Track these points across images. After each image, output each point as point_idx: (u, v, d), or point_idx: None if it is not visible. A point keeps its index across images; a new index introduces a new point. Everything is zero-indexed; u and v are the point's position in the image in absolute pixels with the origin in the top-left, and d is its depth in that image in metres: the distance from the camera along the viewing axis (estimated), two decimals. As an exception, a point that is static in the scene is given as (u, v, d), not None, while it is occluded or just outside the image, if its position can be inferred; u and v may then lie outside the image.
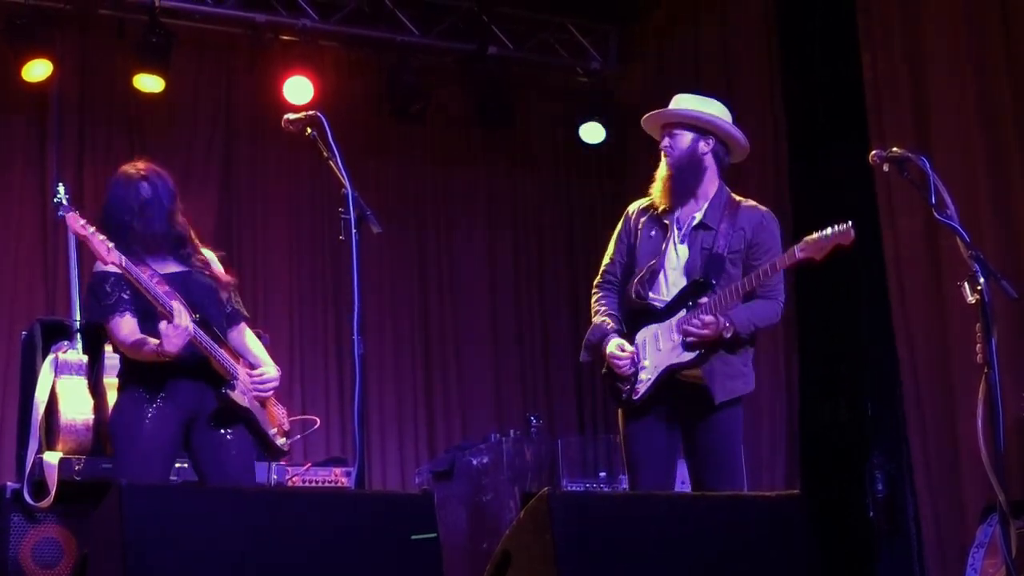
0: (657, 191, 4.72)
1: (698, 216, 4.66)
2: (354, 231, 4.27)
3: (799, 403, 7.31)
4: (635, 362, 4.55)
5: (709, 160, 4.71)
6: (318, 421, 6.26)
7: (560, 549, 3.38)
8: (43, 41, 7.43)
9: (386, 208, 8.34)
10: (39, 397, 5.26)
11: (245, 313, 4.61)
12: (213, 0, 7.92)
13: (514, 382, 8.84)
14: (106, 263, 4.08)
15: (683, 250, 4.63)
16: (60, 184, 5.96)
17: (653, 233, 4.69)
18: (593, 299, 4.82)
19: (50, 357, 5.36)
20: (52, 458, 5.15)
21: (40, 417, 5.24)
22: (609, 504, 3.80)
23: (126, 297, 4.24)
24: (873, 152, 4.04)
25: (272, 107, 7.61)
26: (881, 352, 7.00)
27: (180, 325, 4.09)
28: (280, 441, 4.50)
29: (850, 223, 4.44)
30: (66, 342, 5.44)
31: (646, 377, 4.54)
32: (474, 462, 6.67)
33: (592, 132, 8.66)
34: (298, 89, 7.86)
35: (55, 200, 5.84)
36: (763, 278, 4.52)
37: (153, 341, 4.13)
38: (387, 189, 8.62)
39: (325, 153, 4.39)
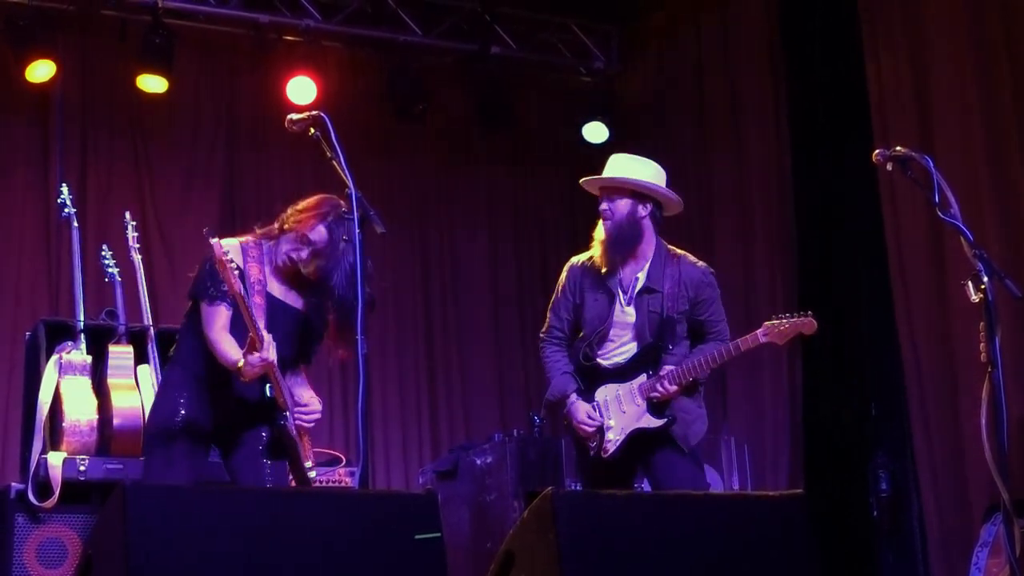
0: (597, 253, 4.87)
1: (641, 277, 4.81)
2: (357, 231, 4.27)
3: (802, 403, 7.30)
4: (599, 421, 4.76)
5: (647, 223, 4.85)
6: (344, 459, 6.32)
7: (564, 548, 3.38)
8: (45, 42, 7.43)
9: (388, 208, 8.33)
10: (43, 398, 5.26)
11: (311, 359, 4.71)
12: (216, 0, 7.92)
13: (517, 381, 8.84)
14: (233, 291, 4.15)
15: (630, 312, 4.81)
16: (63, 185, 6.03)
17: (598, 297, 4.85)
18: (543, 353, 5.02)
19: (54, 358, 5.35)
20: (56, 458, 5.15)
21: (44, 418, 5.24)
22: (612, 503, 3.80)
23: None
24: (877, 151, 4.04)
25: (275, 107, 7.62)
26: (884, 351, 6.99)
27: (267, 358, 4.20)
28: (312, 474, 4.57)
29: (811, 313, 4.68)
30: (70, 343, 5.44)
31: (614, 437, 4.75)
32: (478, 462, 6.67)
33: (595, 132, 8.66)
34: (301, 89, 7.87)
35: (58, 201, 5.91)
36: (726, 357, 4.76)
37: (240, 360, 4.22)
38: (389, 189, 8.61)
39: (328, 153, 4.39)
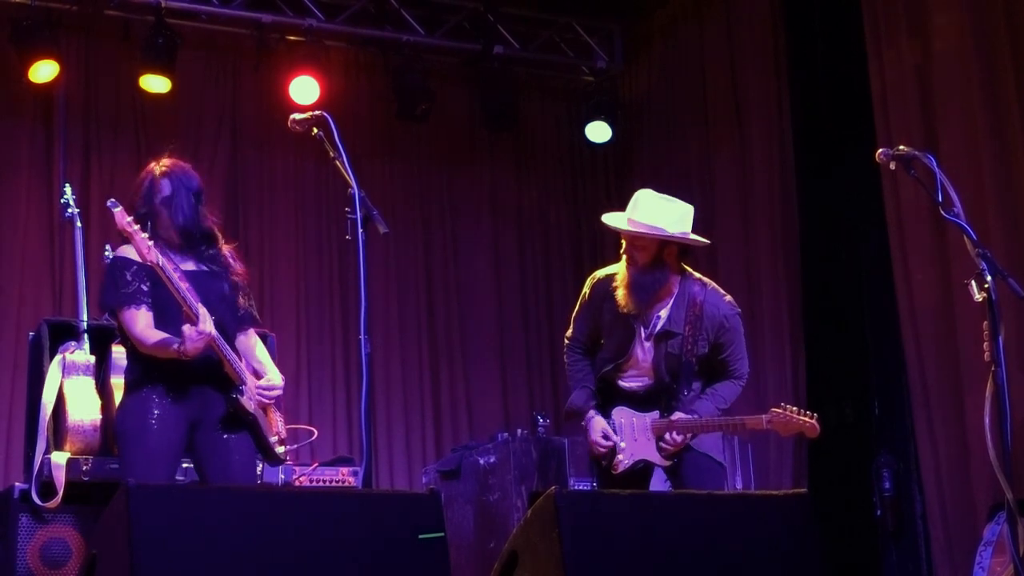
0: (621, 295, 4.79)
1: (663, 316, 4.79)
2: (360, 231, 4.27)
3: (806, 403, 7.30)
4: (612, 442, 4.80)
5: (671, 263, 4.80)
6: (315, 432, 6.31)
7: (567, 547, 3.38)
8: (48, 42, 7.43)
9: (392, 208, 8.35)
10: (46, 398, 5.26)
11: (256, 316, 4.62)
12: (219, 1, 7.93)
13: (520, 381, 8.83)
14: (146, 261, 4.11)
15: (649, 347, 4.81)
16: (66, 185, 6.03)
17: (618, 328, 4.84)
18: (566, 359, 5.05)
19: (57, 358, 5.35)
20: (60, 458, 5.15)
21: (47, 418, 5.24)
22: (616, 503, 3.79)
23: (145, 289, 4.28)
24: (880, 150, 4.04)
25: (278, 107, 7.62)
26: (888, 350, 6.99)
27: (204, 330, 4.14)
28: (279, 449, 4.52)
29: (816, 417, 4.68)
30: (73, 343, 5.43)
31: (624, 459, 4.80)
32: (481, 461, 6.66)
33: (598, 131, 8.67)
34: (304, 89, 7.87)
35: (62, 201, 5.91)
36: (730, 429, 4.93)
37: (175, 341, 4.17)
38: (393, 189, 8.62)
39: (331, 153, 4.40)
